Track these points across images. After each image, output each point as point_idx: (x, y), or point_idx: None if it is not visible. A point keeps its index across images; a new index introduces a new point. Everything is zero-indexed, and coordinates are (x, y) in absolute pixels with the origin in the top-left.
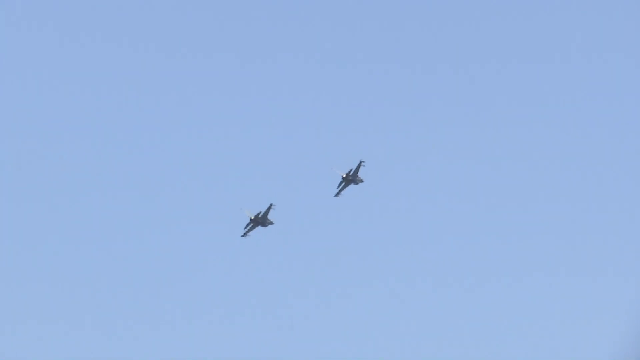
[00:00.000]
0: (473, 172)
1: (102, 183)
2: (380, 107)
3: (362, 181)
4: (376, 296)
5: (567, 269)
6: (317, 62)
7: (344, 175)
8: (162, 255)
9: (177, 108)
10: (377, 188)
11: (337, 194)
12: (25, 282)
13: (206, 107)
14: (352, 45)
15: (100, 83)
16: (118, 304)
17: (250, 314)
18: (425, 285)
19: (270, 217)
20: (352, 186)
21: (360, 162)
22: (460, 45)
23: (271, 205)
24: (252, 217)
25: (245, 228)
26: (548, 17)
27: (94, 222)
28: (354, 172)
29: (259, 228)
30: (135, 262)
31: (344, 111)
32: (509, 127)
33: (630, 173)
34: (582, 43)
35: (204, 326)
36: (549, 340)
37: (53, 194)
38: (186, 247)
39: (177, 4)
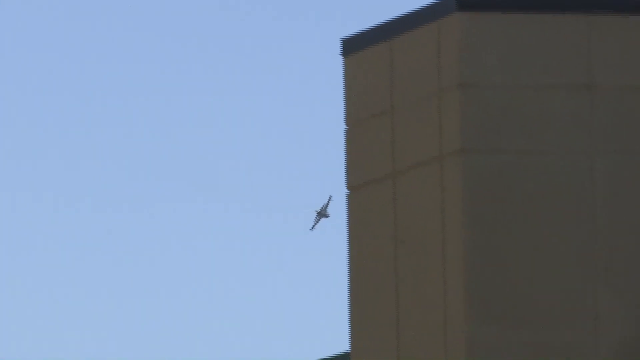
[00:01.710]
0: None
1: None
2: None
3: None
4: None
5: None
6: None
7: (318, 211)
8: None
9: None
10: None
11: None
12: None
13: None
14: None
15: None
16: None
17: None
18: None
19: None
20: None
21: (330, 197)
22: None
23: (330, 197)
24: (318, 211)
25: (314, 222)
26: None
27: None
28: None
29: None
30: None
31: None
32: None
33: None
34: None
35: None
36: None
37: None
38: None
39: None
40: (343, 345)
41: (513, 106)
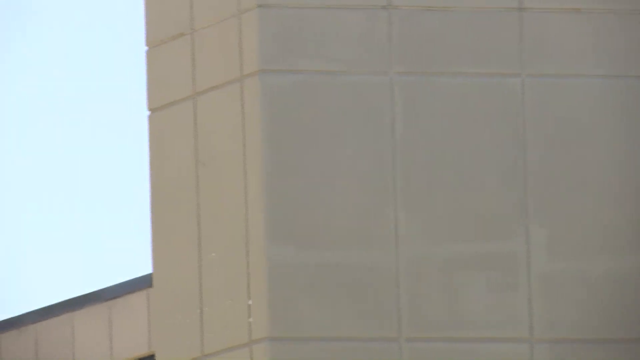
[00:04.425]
0: None
1: None
2: None
3: None
4: None
5: None
6: None
7: None
8: None
9: None
10: None
11: None
12: None
13: None
14: None
15: None
16: None
17: None
18: None
19: None
20: None
21: None
22: None
23: None
24: None
25: None
26: None
27: None
28: None
29: None
30: None
31: None
32: None
33: None
34: None
35: None
36: None
37: None
38: None
39: None
40: (146, 267)
41: (311, 26)
